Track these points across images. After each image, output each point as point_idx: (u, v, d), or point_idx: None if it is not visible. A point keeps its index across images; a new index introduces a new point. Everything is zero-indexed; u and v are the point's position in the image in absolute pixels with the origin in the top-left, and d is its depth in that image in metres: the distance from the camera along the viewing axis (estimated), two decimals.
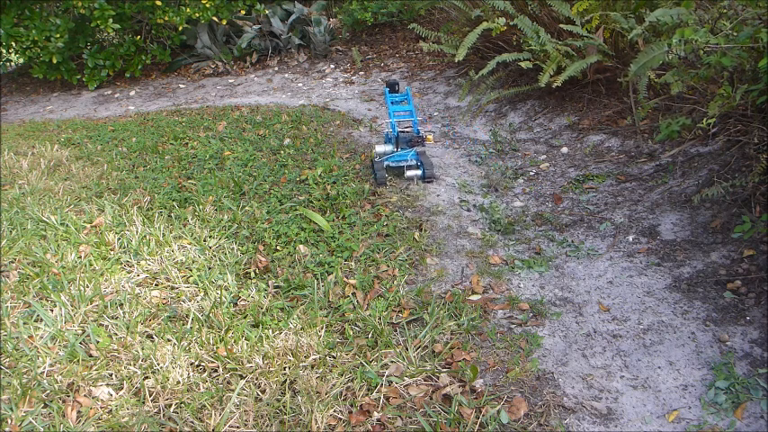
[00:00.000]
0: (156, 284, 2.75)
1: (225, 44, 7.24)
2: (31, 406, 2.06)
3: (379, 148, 3.67)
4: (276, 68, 6.92)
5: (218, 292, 2.64)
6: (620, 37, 3.95)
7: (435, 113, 5.10)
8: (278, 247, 3.03)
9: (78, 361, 2.26)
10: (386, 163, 3.68)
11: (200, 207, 3.41)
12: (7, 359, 2.27)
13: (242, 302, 2.61)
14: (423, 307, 2.53)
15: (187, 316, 2.49)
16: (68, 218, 3.30)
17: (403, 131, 3.71)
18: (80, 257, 2.92)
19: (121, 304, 2.57)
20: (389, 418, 2.00)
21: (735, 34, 2.74)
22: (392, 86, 4.00)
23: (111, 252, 2.98)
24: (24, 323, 2.45)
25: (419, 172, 3.64)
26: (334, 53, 7.05)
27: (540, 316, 2.49)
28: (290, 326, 2.41)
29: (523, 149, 4.14)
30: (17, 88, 7.41)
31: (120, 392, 2.14)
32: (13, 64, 8.02)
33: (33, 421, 2.01)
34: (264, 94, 6.15)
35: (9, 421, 2.00)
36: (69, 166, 4.27)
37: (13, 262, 2.91)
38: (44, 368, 2.22)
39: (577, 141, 4.03)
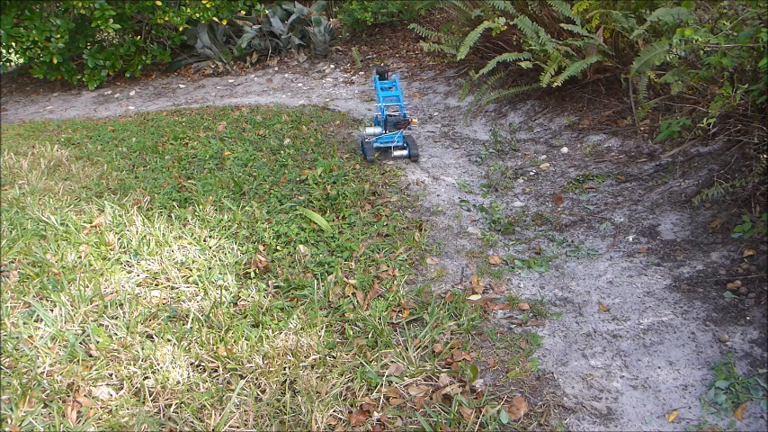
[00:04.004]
0: (156, 284, 2.75)
1: (225, 44, 7.24)
2: (31, 406, 2.06)
3: (369, 130, 4.00)
4: (276, 68, 6.92)
5: (218, 292, 2.64)
6: (620, 37, 3.95)
7: (435, 113, 5.10)
8: (278, 247, 3.03)
9: (78, 361, 2.26)
10: (375, 144, 4.02)
11: (200, 207, 3.41)
12: (7, 359, 2.27)
13: (242, 302, 2.61)
14: (423, 307, 2.53)
15: (187, 316, 2.49)
16: (68, 218, 3.30)
17: (391, 115, 4.02)
18: (80, 257, 2.92)
19: (121, 304, 2.57)
20: (389, 418, 2.00)
21: (735, 34, 2.74)
22: (382, 74, 4.27)
23: (111, 252, 2.98)
24: (24, 323, 2.45)
25: (405, 152, 4.02)
26: (334, 53, 7.05)
27: (540, 316, 2.49)
28: (290, 326, 2.41)
29: (523, 149, 4.14)
30: (17, 88, 7.41)
31: (120, 392, 2.14)
32: (13, 64, 8.02)
33: (33, 421, 2.01)
34: (264, 94, 6.15)
35: (9, 421, 2.00)
36: (69, 166, 4.27)
37: (13, 262, 2.91)
38: (44, 368, 2.22)
39: (577, 141, 4.03)
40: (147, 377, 2.19)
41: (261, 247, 3.02)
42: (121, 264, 2.90)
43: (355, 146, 4.31)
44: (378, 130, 4.01)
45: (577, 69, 3.86)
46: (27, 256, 2.92)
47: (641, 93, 3.66)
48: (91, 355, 2.31)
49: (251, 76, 6.78)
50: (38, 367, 2.22)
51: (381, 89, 4.22)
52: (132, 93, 6.71)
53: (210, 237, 3.11)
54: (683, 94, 3.46)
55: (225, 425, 1.99)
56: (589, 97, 4.33)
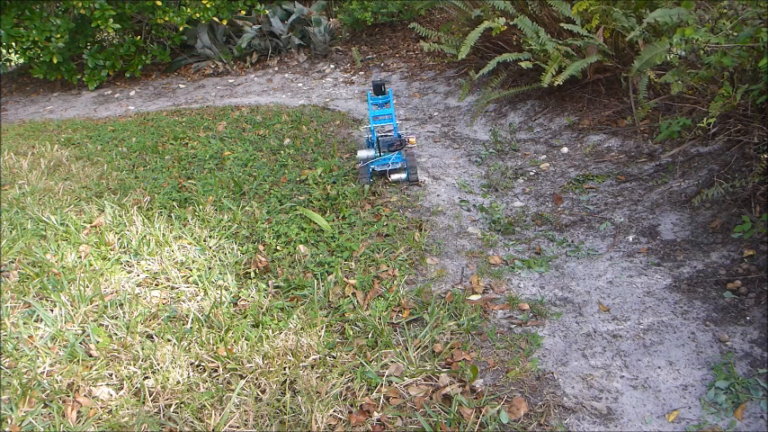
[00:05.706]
0: (156, 284, 2.75)
1: (225, 44, 7.24)
2: (31, 406, 2.06)
3: (362, 153, 3.62)
4: (276, 68, 6.92)
5: (218, 292, 2.64)
6: (621, 37, 3.95)
7: (435, 113, 5.10)
8: (278, 247, 3.03)
9: (78, 361, 2.26)
10: (371, 167, 3.64)
11: (200, 207, 3.41)
12: (7, 359, 2.27)
13: (242, 302, 2.61)
14: (423, 307, 2.53)
15: (187, 316, 2.49)
16: (68, 218, 3.30)
17: (384, 136, 3.65)
18: (80, 257, 2.92)
19: (121, 304, 2.57)
20: (389, 418, 2.00)
21: (735, 34, 2.74)
22: (378, 87, 3.82)
23: (111, 252, 2.98)
24: (24, 323, 2.45)
25: (404, 175, 3.65)
26: (334, 53, 7.05)
27: (540, 316, 2.49)
28: (290, 326, 2.41)
29: (523, 149, 4.14)
30: (17, 88, 7.41)
31: (120, 392, 2.14)
32: (13, 64, 8.02)
33: (33, 421, 2.01)
34: (264, 94, 6.15)
35: (9, 421, 2.00)
36: (69, 166, 4.27)
37: (13, 262, 2.91)
38: (44, 368, 2.22)
39: (577, 141, 4.03)
40: (147, 377, 2.19)
41: (261, 247, 3.02)
42: (121, 264, 2.90)
43: (356, 146, 4.31)
44: (371, 153, 3.61)
45: (577, 69, 3.86)
46: (27, 256, 2.92)
47: (641, 93, 3.66)
48: (91, 355, 2.31)
49: (251, 76, 6.78)
50: (38, 367, 2.22)
51: (374, 106, 3.81)
52: (132, 93, 6.71)
53: (210, 237, 3.11)
54: (683, 94, 3.46)
55: (225, 425, 1.99)
56: (589, 97, 4.33)
